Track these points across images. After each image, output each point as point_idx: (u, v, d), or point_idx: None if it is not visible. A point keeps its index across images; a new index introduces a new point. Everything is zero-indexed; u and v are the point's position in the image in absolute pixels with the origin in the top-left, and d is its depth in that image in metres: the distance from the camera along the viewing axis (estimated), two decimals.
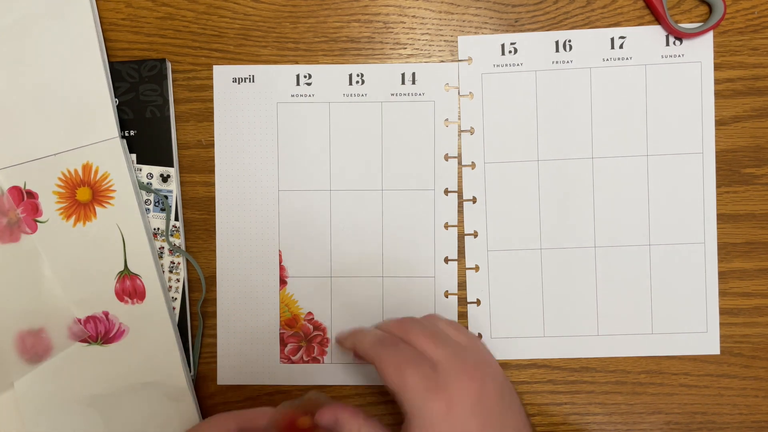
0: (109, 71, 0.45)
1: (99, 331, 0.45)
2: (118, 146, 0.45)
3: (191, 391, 0.45)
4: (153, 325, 0.45)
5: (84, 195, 0.45)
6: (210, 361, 0.47)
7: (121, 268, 0.45)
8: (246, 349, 0.46)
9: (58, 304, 0.45)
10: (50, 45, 0.44)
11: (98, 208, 0.45)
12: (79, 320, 0.45)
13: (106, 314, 0.45)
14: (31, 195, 0.45)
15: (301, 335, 0.46)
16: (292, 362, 0.46)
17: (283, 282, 0.46)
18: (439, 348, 0.37)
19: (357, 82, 0.46)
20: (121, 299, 0.45)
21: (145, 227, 0.45)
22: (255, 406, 0.46)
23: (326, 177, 0.46)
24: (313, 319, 0.46)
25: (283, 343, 0.46)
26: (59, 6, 0.44)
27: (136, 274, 0.45)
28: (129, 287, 0.45)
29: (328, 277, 0.46)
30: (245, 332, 0.46)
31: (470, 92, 0.46)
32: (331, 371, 0.46)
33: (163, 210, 0.46)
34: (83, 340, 0.45)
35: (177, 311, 0.46)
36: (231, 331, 0.46)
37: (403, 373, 0.35)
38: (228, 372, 0.46)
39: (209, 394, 0.47)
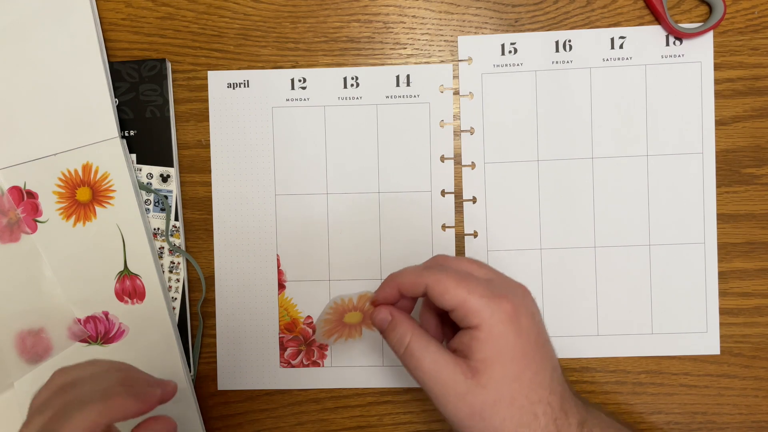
0: (109, 71, 0.45)
1: (99, 331, 0.45)
2: (118, 146, 0.45)
3: (191, 391, 0.45)
4: (153, 325, 0.45)
5: (84, 195, 0.45)
6: (210, 361, 0.47)
7: (121, 268, 0.45)
8: (246, 354, 0.46)
9: (58, 304, 0.45)
10: (50, 45, 0.44)
11: (98, 208, 0.45)
12: (79, 320, 0.45)
13: (106, 314, 0.45)
14: (31, 195, 0.45)
15: (300, 339, 0.46)
16: (292, 366, 0.46)
17: (281, 286, 0.46)
18: (483, 269, 0.37)
19: (352, 85, 0.46)
20: (121, 299, 0.45)
21: (145, 227, 0.45)
22: (255, 405, 0.46)
23: (323, 180, 0.46)
24: (312, 323, 0.46)
25: (282, 348, 0.46)
26: (59, 6, 0.44)
27: (136, 274, 0.45)
28: (129, 287, 0.45)
29: (327, 281, 0.46)
30: (245, 337, 0.46)
31: (470, 92, 0.46)
32: (332, 374, 0.46)
33: (163, 210, 0.46)
34: (83, 340, 0.45)
35: (177, 311, 0.46)
36: (230, 336, 0.46)
37: (468, 284, 0.34)
38: (228, 377, 0.46)
39: (209, 394, 0.47)
